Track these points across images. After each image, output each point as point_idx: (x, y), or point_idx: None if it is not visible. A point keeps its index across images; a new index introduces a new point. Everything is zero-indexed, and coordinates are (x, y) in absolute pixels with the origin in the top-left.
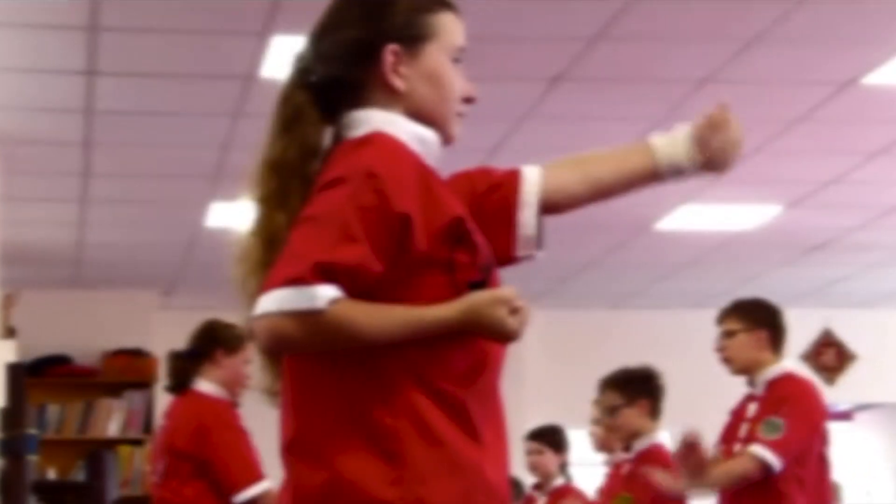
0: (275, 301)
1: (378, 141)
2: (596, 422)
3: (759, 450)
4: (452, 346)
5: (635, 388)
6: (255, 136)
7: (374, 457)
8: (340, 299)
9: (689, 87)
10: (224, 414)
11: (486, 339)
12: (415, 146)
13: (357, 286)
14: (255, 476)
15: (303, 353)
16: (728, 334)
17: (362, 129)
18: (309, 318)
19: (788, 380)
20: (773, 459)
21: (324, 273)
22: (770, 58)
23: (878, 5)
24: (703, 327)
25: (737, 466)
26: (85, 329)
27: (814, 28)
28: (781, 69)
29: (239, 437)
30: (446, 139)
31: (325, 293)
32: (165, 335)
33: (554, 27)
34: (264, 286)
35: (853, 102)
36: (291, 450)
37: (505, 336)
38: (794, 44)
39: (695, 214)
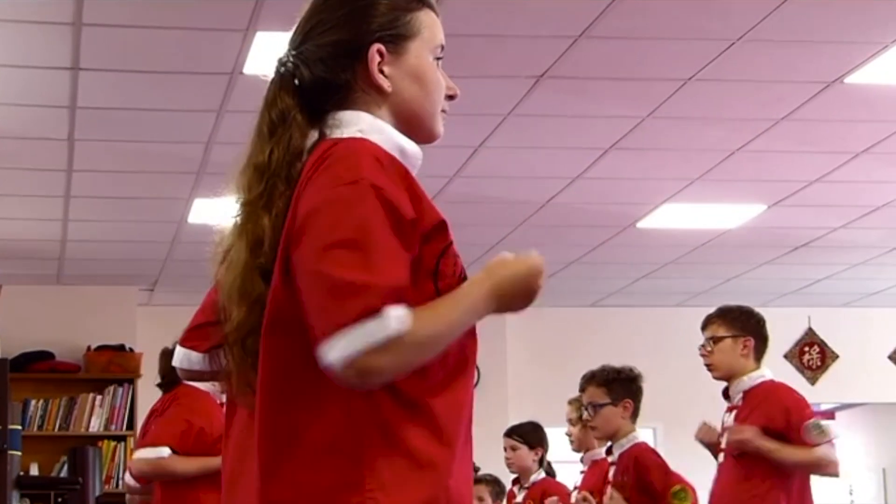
0: (356, 339)
1: (367, 150)
2: (572, 421)
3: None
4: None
5: (621, 388)
6: (238, 133)
7: (336, 461)
8: (409, 314)
9: (673, 86)
10: (214, 410)
11: (514, 309)
12: (396, 156)
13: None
14: None
15: (393, 378)
16: (713, 340)
17: (349, 131)
18: (396, 343)
19: (767, 385)
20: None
21: (389, 295)
22: (753, 57)
23: (861, 5)
24: (686, 326)
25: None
26: (68, 325)
27: (797, 27)
28: (765, 68)
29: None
30: (431, 136)
31: (399, 313)
32: (148, 331)
33: (539, 25)
34: (330, 326)
35: (836, 102)
36: (259, 448)
37: (528, 305)
38: (777, 43)
39: (678, 213)
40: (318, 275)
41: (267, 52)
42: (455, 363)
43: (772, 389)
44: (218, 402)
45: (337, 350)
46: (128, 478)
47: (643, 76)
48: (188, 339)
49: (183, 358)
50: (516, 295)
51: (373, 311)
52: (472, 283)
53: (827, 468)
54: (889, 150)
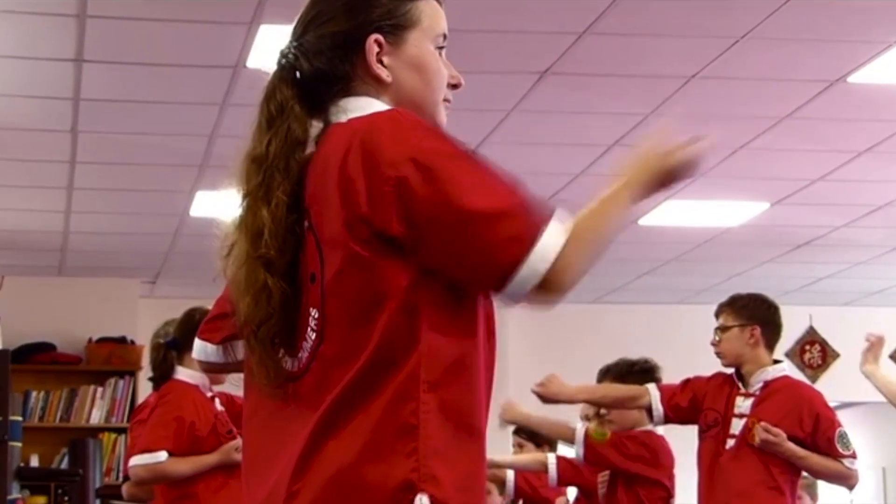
0: (552, 244)
1: (406, 111)
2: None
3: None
4: (446, 339)
5: (636, 381)
6: (241, 126)
7: (390, 429)
8: (560, 219)
9: (677, 84)
10: (201, 404)
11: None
12: None
13: None
14: None
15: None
16: (722, 329)
17: (360, 113)
18: (580, 242)
19: (790, 382)
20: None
21: (538, 208)
22: (757, 55)
23: (864, 4)
24: (688, 323)
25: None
26: (69, 316)
27: (800, 26)
28: (768, 66)
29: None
30: None
31: (566, 218)
32: (150, 323)
33: (542, 21)
34: (509, 263)
35: (839, 100)
36: (321, 421)
37: (680, 177)
38: (780, 41)
39: (680, 210)
40: (470, 220)
41: (271, 46)
42: (476, 351)
43: (799, 390)
44: (207, 394)
45: (527, 278)
46: (126, 487)
47: (647, 73)
48: (204, 332)
49: (200, 350)
50: (657, 180)
51: (543, 223)
52: (620, 184)
53: (849, 480)
54: (891, 150)
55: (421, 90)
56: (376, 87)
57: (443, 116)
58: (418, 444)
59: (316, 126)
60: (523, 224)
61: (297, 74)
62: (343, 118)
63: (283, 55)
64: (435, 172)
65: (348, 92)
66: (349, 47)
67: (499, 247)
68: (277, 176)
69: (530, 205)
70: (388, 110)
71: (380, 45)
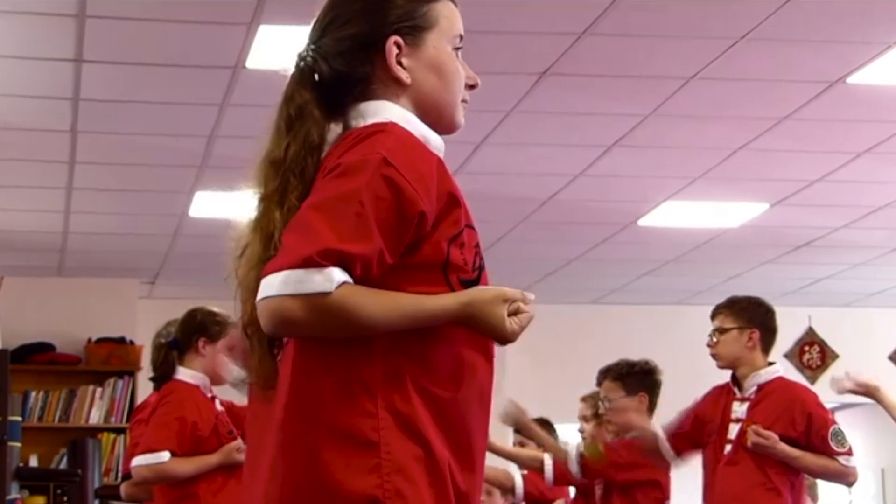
0: (283, 282)
1: (395, 131)
2: (586, 418)
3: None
4: (436, 346)
5: (636, 382)
6: (241, 127)
7: (355, 443)
8: (348, 284)
9: (676, 84)
10: (203, 404)
11: (482, 335)
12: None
13: (366, 275)
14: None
15: (305, 336)
16: (720, 331)
17: (374, 120)
18: (316, 300)
19: (784, 382)
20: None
21: (334, 258)
22: (756, 56)
23: (863, 5)
24: (686, 324)
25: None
26: (69, 317)
27: (800, 27)
28: (768, 67)
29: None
30: (452, 127)
31: (335, 276)
32: (149, 324)
33: (542, 22)
34: (270, 267)
35: (839, 101)
36: (280, 431)
37: (501, 336)
38: (780, 42)
39: (680, 211)
40: (294, 220)
41: (270, 46)
42: (463, 357)
43: (791, 390)
44: (208, 395)
45: (266, 287)
46: (124, 487)
47: (646, 74)
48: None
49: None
50: (480, 317)
51: (309, 263)
52: (444, 296)
53: (848, 478)
54: (891, 151)
55: (440, 91)
56: (395, 88)
57: (461, 117)
58: (381, 459)
59: (334, 130)
60: (303, 245)
61: (316, 77)
62: (362, 122)
63: (301, 58)
64: (319, 183)
65: (367, 94)
66: (369, 49)
67: (282, 244)
68: (293, 180)
69: (332, 249)
70: (387, 124)
71: (399, 46)
